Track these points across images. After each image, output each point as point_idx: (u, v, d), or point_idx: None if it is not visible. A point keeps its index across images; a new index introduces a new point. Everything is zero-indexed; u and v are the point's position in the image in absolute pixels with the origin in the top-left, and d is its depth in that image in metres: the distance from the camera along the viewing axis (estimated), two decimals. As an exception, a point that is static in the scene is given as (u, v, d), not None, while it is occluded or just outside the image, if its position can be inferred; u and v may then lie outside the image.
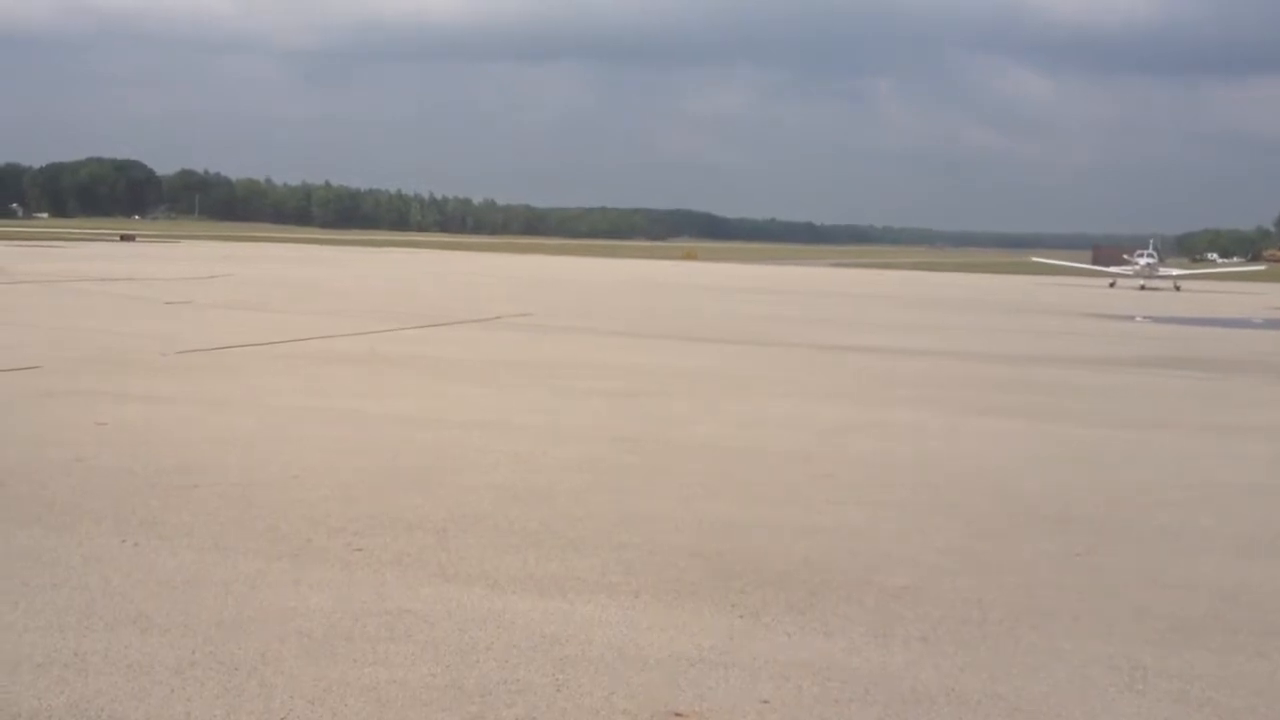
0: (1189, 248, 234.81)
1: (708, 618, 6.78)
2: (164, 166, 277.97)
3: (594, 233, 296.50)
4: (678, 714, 5.48)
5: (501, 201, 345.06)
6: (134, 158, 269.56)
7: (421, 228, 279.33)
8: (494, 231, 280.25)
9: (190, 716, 5.27)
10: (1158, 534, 9.22)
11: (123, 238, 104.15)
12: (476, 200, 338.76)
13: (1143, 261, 71.96)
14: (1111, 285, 69.04)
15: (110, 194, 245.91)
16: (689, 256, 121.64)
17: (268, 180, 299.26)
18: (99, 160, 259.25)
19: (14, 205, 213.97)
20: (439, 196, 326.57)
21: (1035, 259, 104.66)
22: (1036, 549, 8.57)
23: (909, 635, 6.60)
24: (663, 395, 16.07)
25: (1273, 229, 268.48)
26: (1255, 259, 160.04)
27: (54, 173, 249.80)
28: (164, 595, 6.82)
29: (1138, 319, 40.01)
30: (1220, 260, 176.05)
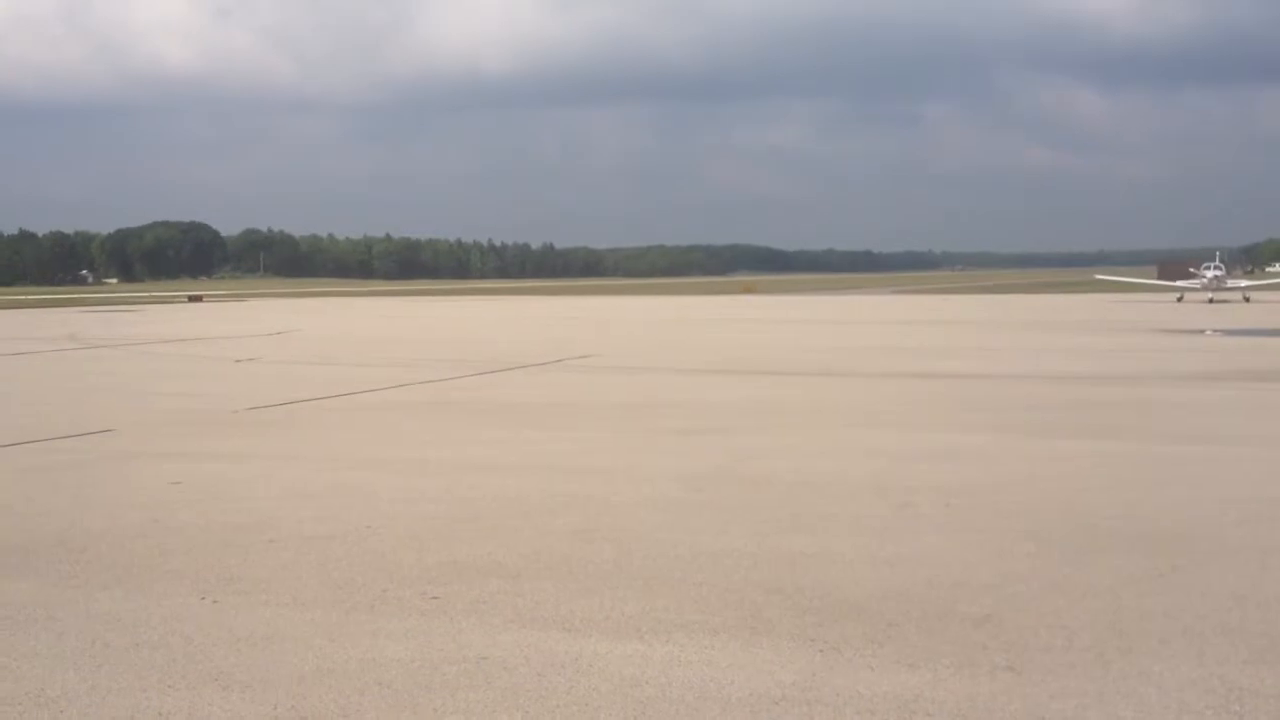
0: (1256, 258, 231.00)
1: (787, 654, 6.69)
2: (228, 227, 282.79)
3: (652, 271, 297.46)
4: (762, 753, 5.40)
5: (560, 245, 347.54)
6: (199, 220, 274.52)
7: (482, 275, 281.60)
8: (553, 275, 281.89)
9: (275, 772, 5.27)
10: (1243, 550, 9.00)
11: (191, 299, 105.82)
12: (535, 245, 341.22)
13: (1210, 274, 70.98)
14: (1179, 300, 68.06)
15: (176, 256, 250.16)
16: (748, 290, 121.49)
17: (330, 235, 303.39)
18: (165, 224, 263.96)
19: (84, 272, 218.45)
20: (498, 243, 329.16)
21: (1099, 276, 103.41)
22: (1120, 571, 8.40)
23: (994, 665, 6.48)
24: (731, 431, 15.99)
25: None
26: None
27: (121, 238, 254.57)
28: (244, 651, 6.86)
29: (1208, 333, 39.36)
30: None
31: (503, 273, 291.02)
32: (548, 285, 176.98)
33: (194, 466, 13.38)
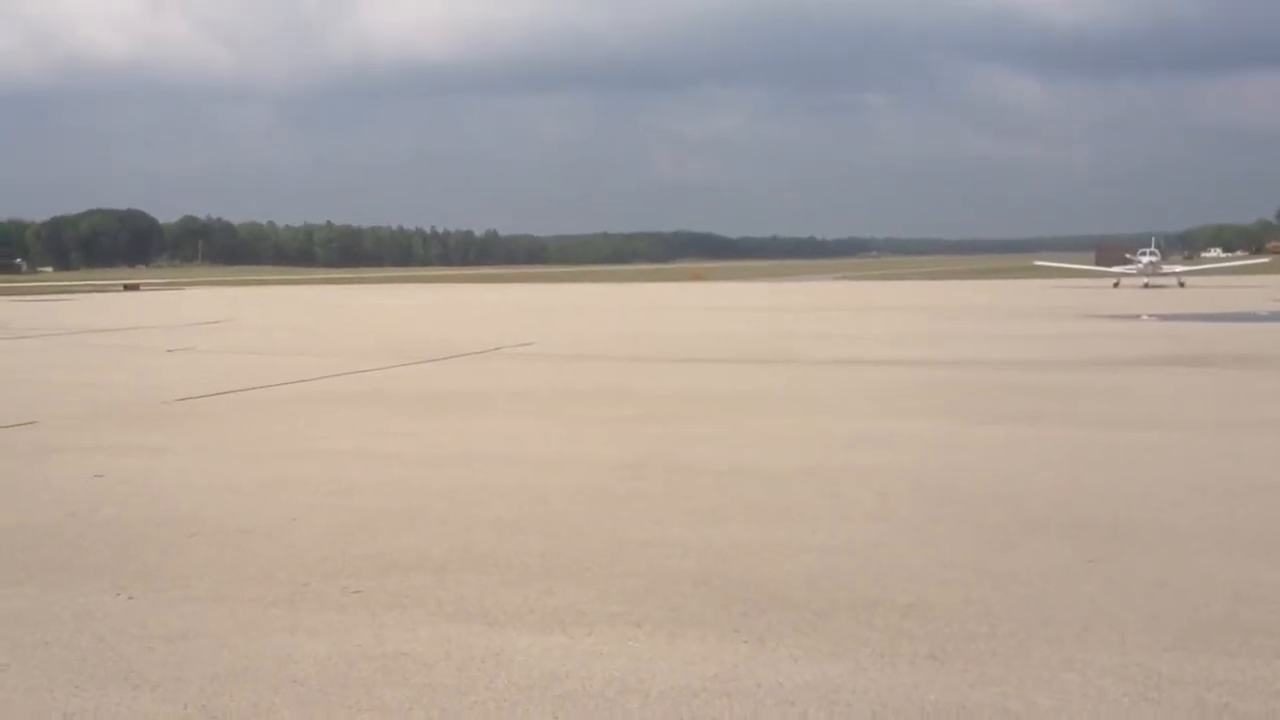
0: (1192, 244, 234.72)
1: (711, 645, 6.63)
2: (166, 215, 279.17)
3: (596, 258, 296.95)
4: (681, 747, 5.34)
5: (503, 232, 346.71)
6: (136, 208, 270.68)
7: (424, 262, 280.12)
8: (497, 262, 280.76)
9: (181, 775, 5.14)
10: (1170, 536, 9.05)
11: (126, 287, 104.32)
12: (479, 232, 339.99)
13: (1145, 260, 71.88)
14: (1115, 285, 68.87)
15: (113, 245, 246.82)
16: (696, 278, 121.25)
17: (270, 223, 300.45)
18: (101, 211, 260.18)
19: (18, 260, 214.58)
20: (440, 230, 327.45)
21: (1038, 263, 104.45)
22: (1047, 558, 8.41)
23: (917, 653, 6.45)
24: (668, 419, 15.93)
25: (1275, 221, 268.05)
26: (1259, 252, 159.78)
27: (56, 226, 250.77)
28: (157, 649, 6.69)
29: (1144, 318, 39.81)
30: (1223, 255, 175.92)
31: (445, 260, 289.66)
32: (491, 273, 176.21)
33: (118, 459, 13.11)
